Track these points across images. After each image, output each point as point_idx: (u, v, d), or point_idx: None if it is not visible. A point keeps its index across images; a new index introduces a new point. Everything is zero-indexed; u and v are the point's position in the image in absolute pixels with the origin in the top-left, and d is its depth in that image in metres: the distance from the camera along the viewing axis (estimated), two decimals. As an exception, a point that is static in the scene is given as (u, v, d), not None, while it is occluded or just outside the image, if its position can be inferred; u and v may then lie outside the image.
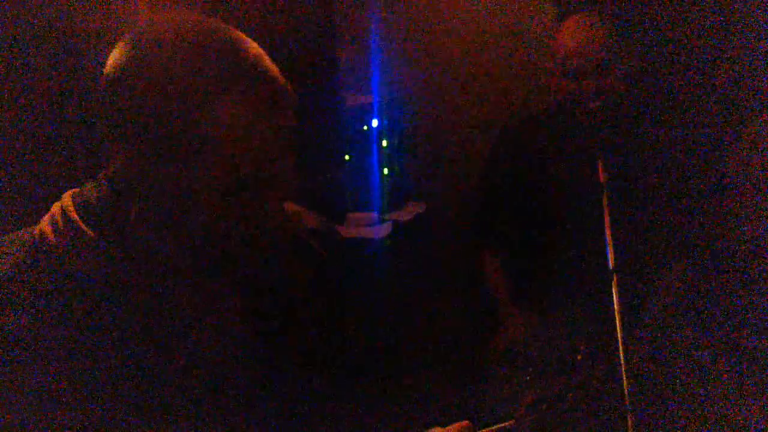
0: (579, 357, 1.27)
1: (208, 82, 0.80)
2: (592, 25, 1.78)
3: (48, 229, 0.87)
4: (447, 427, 1.07)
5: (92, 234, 0.86)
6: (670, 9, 2.19)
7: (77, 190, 0.92)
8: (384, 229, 2.62)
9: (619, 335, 1.38)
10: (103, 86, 0.83)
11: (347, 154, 2.62)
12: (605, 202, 1.52)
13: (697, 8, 2.15)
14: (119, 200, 0.87)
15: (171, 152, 0.80)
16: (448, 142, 2.78)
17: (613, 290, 1.42)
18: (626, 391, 1.33)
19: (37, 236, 0.88)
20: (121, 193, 0.87)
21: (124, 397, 0.85)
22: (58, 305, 0.84)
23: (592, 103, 1.76)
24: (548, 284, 1.92)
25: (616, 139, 1.85)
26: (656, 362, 1.86)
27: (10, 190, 1.49)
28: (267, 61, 0.86)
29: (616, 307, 1.41)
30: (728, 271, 2.02)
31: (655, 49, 2.19)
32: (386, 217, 2.67)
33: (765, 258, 1.82)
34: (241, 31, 0.88)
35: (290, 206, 1.05)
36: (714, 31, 2.13)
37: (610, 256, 1.46)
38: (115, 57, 0.83)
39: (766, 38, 2.02)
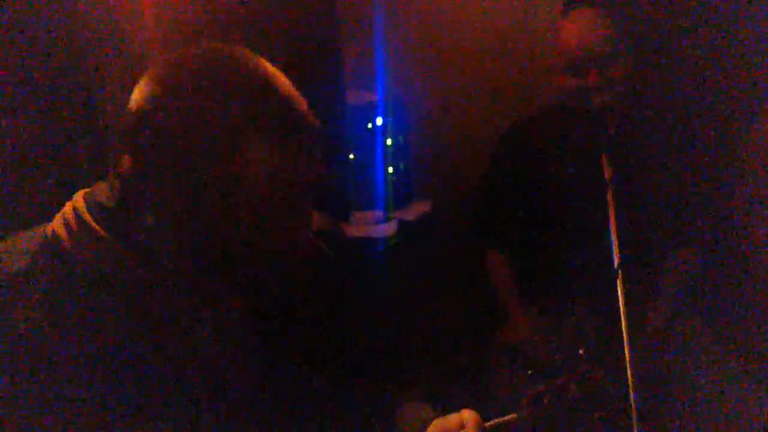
0: (581, 351, 1.27)
1: (236, 122, 0.80)
2: (594, 18, 1.78)
3: (60, 229, 0.88)
4: (447, 416, 1.07)
5: (104, 234, 0.87)
6: (675, 2, 2.19)
7: (89, 190, 0.92)
8: (389, 228, 2.62)
9: (624, 332, 1.38)
10: (128, 121, 0.83)
11: (352, 152, 2.62)
12: (610, 198, 1.52)
13: (703, 2, 2.14)
14: (131, 201, 0.87)
15: (194, 184, 0.81)
16: (453, 141, 2.77)
17: (618, 287, 1.42)
18: (631, 386, 1.33)
19: (49, 235, 0.88)
20: (133, 195, 0.87)
21: (130, 395, 0.85)
22: (70, 304, 0.85)
23: (596, 99, 1.76)
24: (553, 282, 1.92)
25: (620, 135, 1.84)
26: (661, 358, 1.86)
27: (22, 190, 1.50)
28: (297, 102, 0.85)
29: (621, 304, 1.40)
30: (734, 268, 2.01)
31: (659, 43, 2.18)
32: (391, 215, 2.67)
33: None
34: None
35: None
36: (720, 24, 2.12)
37: (615, 254, 1.46)
38: (141, 92, 0.83)
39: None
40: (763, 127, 2.01)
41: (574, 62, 1.78)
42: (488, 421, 1.11)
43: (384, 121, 2.63)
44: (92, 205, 0.89)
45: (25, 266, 0.86)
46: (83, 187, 0.93)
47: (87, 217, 0.87)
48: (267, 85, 0.84)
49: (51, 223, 0.90)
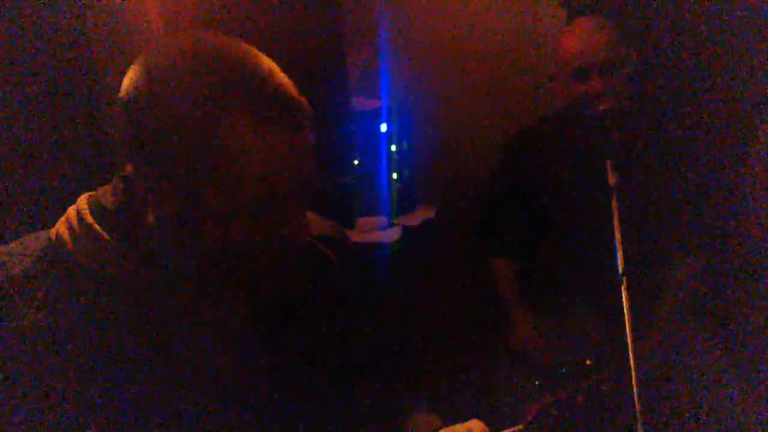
0: (588, 361, 1.27)
1: (217, 101, 0.80)
2: (597, 26, 1.79)
3: (64, 232, 0.88)
4: (454, 426, 1.07)
5: (108, 237, 0.87)
6: (678, 10, 2.19)
7: (93, 193, 0.92)
8: (393, 234, 2.62)
9: (629, 339, 1.37)
10: (119, 108, 0.83)
11: (357, 158, 2.62)
12: (614, 205, 1.52)
13: (706, 9, 2.14)
14: (134, 204, 0.88)
15: (186, 171, 0.81)
16: (457, 147, 2.78)
17: (623, 294, 1.42)
18: (636, 395, 1.32)
19: (53, 239, 0.88)
20: (136, 198, 0.87)
21: (133, 398, 0.85)
22: (73, 307, 0.85)
23: (600, 105, 1.76)
24: (557, 288, 1.92)
25: (624, 141, 1.85)
26: (666, 366, 1.85)
27: (26, 193, 1.50)
28: (279, 77, 0.85)
29: (626, 310, 1.40)
30: (739, 275, 2.01)
31: (662, 49, 2.19)
32: (396, 221, 2.67)
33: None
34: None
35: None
36: (723, 29, 2.12)
37: (620, 260, 1.46)
38: (129, 79, 0.83)
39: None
40: (768, 133, 2.01)
41: (577, 69, 1.78)
42: None
43: (389, 128, 2.63)
44: (96, 208, 0.89)
45: (28, 269, 0.86)
46: (87, 191, 0.93)
47: (90, 220, 0.88)
48: (249, 65, 0.83)
49: (54, 227, 0.90)
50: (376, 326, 1.15)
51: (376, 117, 2.62)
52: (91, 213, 0.89)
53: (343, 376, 1.04)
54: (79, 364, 0.83)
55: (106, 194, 0.91)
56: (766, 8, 2.00)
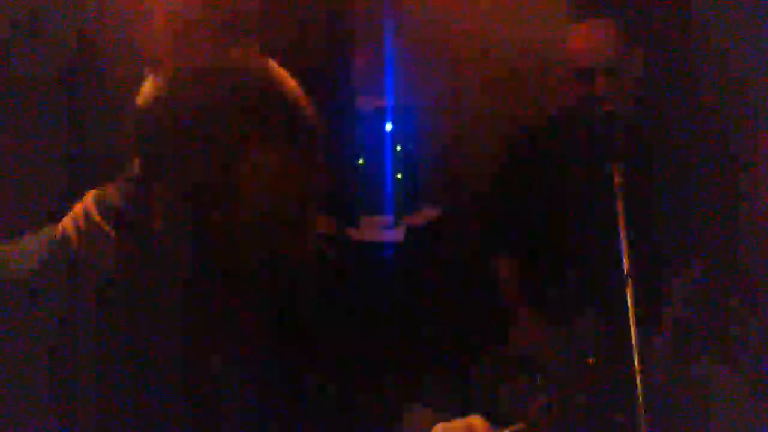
0: (590, 361, 1.27)
1: (240, 123, 0.80)
2: (603, 27, 1.79)
3: (70, 229, 0.88)
4: (453, 421, 1.06)
5: (114, 235, 0.87)
6: (684, 12, 2.19)
7: (99, 191, 0.92)
8: (397, 233, 2.62)
9: (634, 341, 1.37)
10: (134, 119, 0.83)
11: (361, 157, 2.62)
12: (620, 206, 1.52)
13: (712, 11, 2.14)
14: (140, 203, 0.88)
15: (195, 181, 0.81)
16: (462, 147, 2.77)
17: (628, 295, 1.42)
18: (640, 396, 1.32)
19: (59, 236, 0.89)
20: (141, 197, 0.87)
21: (138, 397, 0.85)
22: (79, 305, 0.85)
23: (605, 107, 1.76)
24: (562, 289, 1.92)
25: (630, 143, 1.84)
26: (670, 367, 1.85)
27: (32, 190, 1.50)
28: (302, 101, 0.85)
29: (631, 312, 1.40)
30: (744, 275, 2.00)
31: (669, 52, 2.18)
32: (400, 221, 2.67)
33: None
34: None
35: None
36: (730, 31, 2.12)
37: (625, 261, 1.46)
38: (147, 88, 0.83)
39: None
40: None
41: (580, 68, 1.78)
42: (497, 430, 1.10)
43: (394, 127, 2.63)
44: (102, 205, 0.89)
45: (34, 267, 0.86)
46: (94, 188, 0.94)
47: (97, 217, 0.88)
48: (273, 87, 0.84)
49: (60, 224, 0.90)
50: (378, 325, 1.15)
51: (381, 116, 2.62)
52: (99, 211, 0.89)
53: (344, 373, 1.04)
54: (85, 363, 0.83)
55: (113, 192, 0.91)
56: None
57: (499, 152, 2.14)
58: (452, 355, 2.55)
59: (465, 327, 2.66)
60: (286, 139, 0.83)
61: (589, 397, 1.14)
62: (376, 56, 2.70)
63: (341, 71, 2.59)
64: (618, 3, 1.87)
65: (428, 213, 2.74)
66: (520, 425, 1.12)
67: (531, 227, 2.01)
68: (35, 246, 0.89)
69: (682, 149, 1.89)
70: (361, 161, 2.62)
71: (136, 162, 0.87)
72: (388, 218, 2.63)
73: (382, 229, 2.62)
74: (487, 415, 1.09)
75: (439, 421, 1.09)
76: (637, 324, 1.38)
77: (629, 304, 1.40)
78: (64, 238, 0.88)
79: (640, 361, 1.35)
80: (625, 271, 1.44)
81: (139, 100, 0.83)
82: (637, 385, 1.33)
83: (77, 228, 0.88)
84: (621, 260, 1.46)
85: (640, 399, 1.33)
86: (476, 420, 1.08)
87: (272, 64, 0.87)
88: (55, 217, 0.92)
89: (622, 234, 1.49)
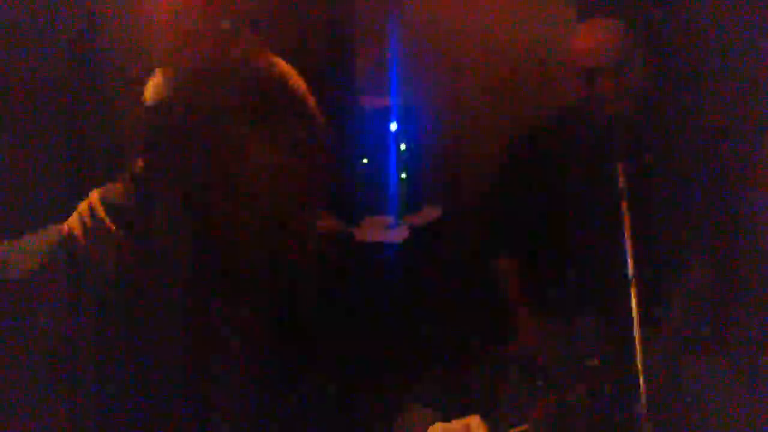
0: (593, 362, 1.27)
1: (244, 121, 0.80)
2: (607, 28, 1.79)
3: (76, 227, 0.88)
4: (452, 422, 1.06)
5: (120, 233, 0.87)
6: (689, 14, 2.18)
7: (104, 189, 0.93)
8: (400, 233, 2.62)
9: (637, 342, 1.37)
10: (139, 117, 0.83)
11: (365, 157, 2.62)
12: (624, 207, 1.51)
13: (717, 13, 2.13)
14: (144, 201, 0.88)
15: (199, 176, 0.81)
16: (466, 147, 2.77)
17: (632, 296, 1.41)
18: (644, 397, 1.31)
19: (64, 234, 0.89)
20: (145, 195, 0.88)
21: (141, 394, 0.85)
22: (86, 303, 0.85)
23: (609, 108, 1.75)
24: (565, 290, 1.91)
25: (634, 145, 1.84)
26: (674, 369, 1.84)
27: (38, 188, 1.51)
28: (308, 99, 0.85)
29: (635, 313, 1.39)
30: (748, 278, 1.99)
31: (672, 52, 2.18)
32: (403, 220, 2.67)
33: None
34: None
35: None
36: (735, 34, 2.11)
37: (629, 263, 1.45)
38: (154, 85, 0.83)
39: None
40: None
41: (585, 67, 1.78)
42: None
43: (398, 127, 2.63)
44: (107, 203, 0.90)
45: (39, 265, 0.86)
46: (99, 186, 0.94)
47: (102, 215, 0.88)
48: (279, 87, 0.84)
49: (66, 222, 0.91)
50: (379, 324, 1.15)
51: (385, 116, 2.62)
52: (104, 209, 0.89)
53: (343, 373, 1.04)
54: (90, 361, 0.83)
55: (118, 189, 0.91)
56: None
57: (501, 152, 2.13)
58: (452, 355, 2.54)
59: (465, 327, 2.66)
60: (291, 138, 0.83)
61: (592, 398, 1.14)
62: (379, 56, 2.70)
63: (345, 71, 2.59)
64: (623, 3, 1.86)
65: (429, 213, 2.74)
66: (522, 427, 1.12)
67: (532, 227, 2.00)
68: (41, 244, 0.89)
69: (683, 150, 1.89)
70: (364, 160, 2.63)
71: (140, 161, 0.87)
72: (391, 218, 2.64)
73: (386, 229, 2.62)
74: (487, 416, 1.09)
75: (438, 421, 1.09)
76: (641, 325, 1.38)
77: (633, 304, 1.40)
78: (70, 236, 0.88)
79: (643, 362, 1.35)
80: (630, 272, 1.44)
81: (144, 100, 0.83)
82: (639, 385, 1.33)
83: (83, 225, 0.88)
84: (625, 261, 1.46)
85: (643, 399, 1.32)
86: (475, 420, 1.07)
87: (279, 61, 0.86)
88: (58, 217, 0.92)
89: (627, 235, 1.48)
